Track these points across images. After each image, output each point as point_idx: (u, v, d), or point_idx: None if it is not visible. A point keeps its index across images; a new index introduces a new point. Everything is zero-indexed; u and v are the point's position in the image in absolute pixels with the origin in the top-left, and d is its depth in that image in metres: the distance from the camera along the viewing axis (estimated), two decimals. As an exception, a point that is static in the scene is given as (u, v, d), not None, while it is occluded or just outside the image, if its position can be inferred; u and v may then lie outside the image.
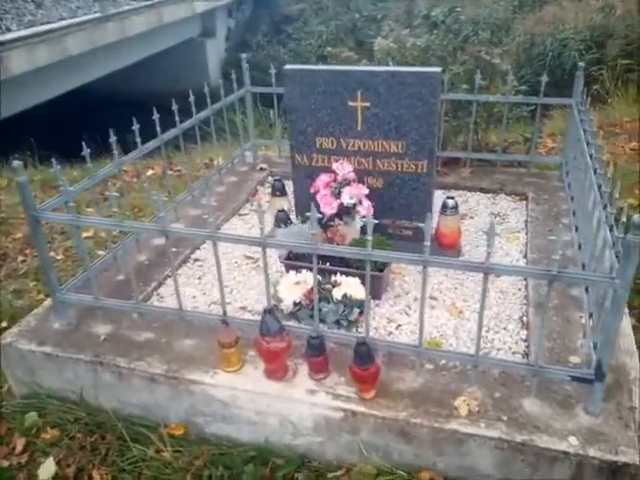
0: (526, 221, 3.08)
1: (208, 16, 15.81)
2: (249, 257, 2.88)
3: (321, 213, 2.65)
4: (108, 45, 10.79)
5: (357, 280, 2.38)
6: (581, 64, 3.20)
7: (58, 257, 3.66)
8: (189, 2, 14.37)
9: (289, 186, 3.06)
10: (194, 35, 15.77)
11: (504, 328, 2.29)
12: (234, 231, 3.16)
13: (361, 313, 2.33)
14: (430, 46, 3.26)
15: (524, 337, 2.23)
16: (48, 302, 2.53)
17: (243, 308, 2.48)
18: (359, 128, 2.69)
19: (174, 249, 2.92)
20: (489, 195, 3.42)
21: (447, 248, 2.80)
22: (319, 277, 2.38)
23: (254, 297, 2.57)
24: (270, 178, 3.79)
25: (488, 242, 1.72)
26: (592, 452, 1.72)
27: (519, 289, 2.53)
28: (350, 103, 2.65)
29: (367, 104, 2.63)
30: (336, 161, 2.78)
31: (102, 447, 2.17)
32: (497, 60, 3.66)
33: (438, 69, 2.54)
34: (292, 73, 2.69)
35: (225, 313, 2.11)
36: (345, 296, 2.32)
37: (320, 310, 2.30)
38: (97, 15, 10.74)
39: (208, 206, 3.11)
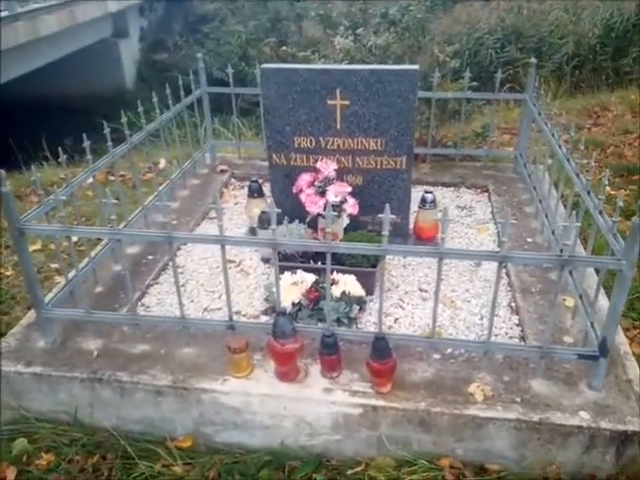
0: (492, 212, 3.22)
1: (120, 15, 15.21)
2: (231, 261, 2.81)
3: (307, 213, 2.66)
4: (18, 46, 10.15)
5: (353, 277, 2.39)
6: (533, 60, 3.37)
7: (8, 273, 3.42)
8: (101, 1, 13.78)
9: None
10: (107, 35, 15.14)
11: (496, 315, 2.38)
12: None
13: (360, 309, 2.35)
14: (390, 45, 3.33)
15: (517, 322, 2.34)
16: (25, 320, 2.36)
17: (237, 313, 2.43)
18: (338, 126, 2.71)
19: (150, 257, 2.82)
20: (451, 189, 3.54)
21: (426, 241, 2.88)
22: (315, 276, 2.39)
23: (245, 301, 2.52)
24: (233, 180, 3.74)
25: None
26: (603, 424, 1.84)
27: (502, 276, 2.64)
28: (329, 101, 2.66)
29: (346, 102, 2.65)
30: (315, 160, 2.79)
31: (104, 468, 2.05)
32: (448, 58, 3.80)
33: (415, 66, 2.61)
34: (269, 72, 2.67)
35: (231, 318, 2.07)
36: (344, 293, 2.33)
37: (320, 309, 2.30)
38: (5, 14, 10.06)
39: (177, 211, 3.04)
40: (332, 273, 2.42)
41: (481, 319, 2.37)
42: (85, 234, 2.15)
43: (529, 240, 2.88)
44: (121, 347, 2.20)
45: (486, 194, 3.46)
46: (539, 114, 3.12)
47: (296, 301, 2.32)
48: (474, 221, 3.17)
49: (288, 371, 2.01)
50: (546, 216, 2.82)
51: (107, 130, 2.72)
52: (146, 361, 2.13)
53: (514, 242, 2.87)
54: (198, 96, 3.66)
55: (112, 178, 4.62)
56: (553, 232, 2.68)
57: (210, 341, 2.19)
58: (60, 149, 2.40)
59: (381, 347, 1.89)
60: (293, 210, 2.73)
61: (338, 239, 2.56)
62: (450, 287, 2.58)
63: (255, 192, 2.95)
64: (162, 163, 4.71)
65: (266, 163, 3.00)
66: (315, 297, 2.31)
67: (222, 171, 3.77)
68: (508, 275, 2.62)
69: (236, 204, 3.43)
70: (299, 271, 2.41)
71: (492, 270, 2.68)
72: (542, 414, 1.87)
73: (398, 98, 2.60)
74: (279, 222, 2.71)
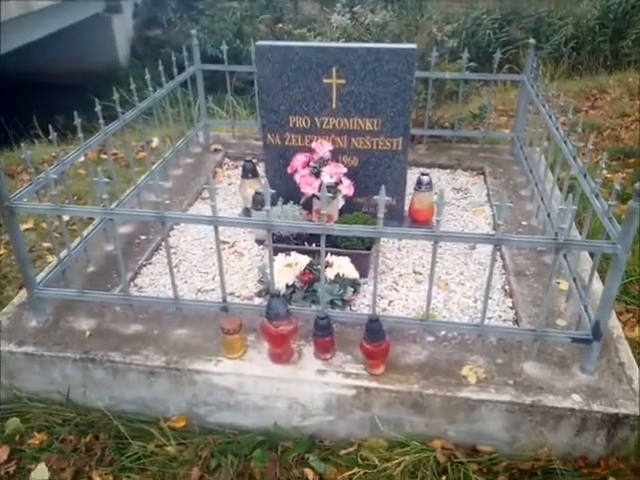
0: (488, 194, 3.21)
1: (113, -10, 14.92)
2: (224, 242, 2.80)
3: (301, 194, 2.64)
4: (10, 20, 9.95)
5: (347, 259, 2.38)
6: (532, 41, 3.33)
7: (0, 252, 3.39)
8: (94, -26, 13.51)
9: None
10: (100, 11, 14.86)
11: (490, 298, 2.38)
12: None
13: (354, 292, 2.34)
14: (388, 23, 3.28)
15: (510, 305, 2.34)
16: (17, 300, 2.35)
17: (231, 294, 2.41)
18: (334, 106, 2.67)
19: (143, 236, 2.80)
20: (448, 171, 3.52)
21: (421, 224, 2.86)
22: (310, 258, 2.38)
23: (239, 282, 2.51)
24: (227, 159, 3.70)
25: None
26: (595, 407, 1.85)
27: (496, 259, 2.63)
28: (325, 80, 2.62)
29: (342, 81, 2.61)
30: (310, 140, 2.75)
31: (97, 447, 2.05)
32: (446, 38, 3.75)
33: (413, 45, 2.57)
34: (263, 50, 2.62)
35: (225, 299, 2.05)
36: (338, 276, 2.32)
37: (314, 291, 2.29)
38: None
39: (170, 190, 3.01)
40: (326, 255, 2.42)
41: (475, 302, 2.37)
42: (76, 213, 2.12)
43: (524, 223, 2.87)
44: (114, 327, 2.18)
45: (482, 176, 3.44)
46: (537, 96, 3.09)
47: (290, 283, 2.31)
48: (470, 203, 3.15)
49: (282, 353, 2.00)
50: (542, 199, 2.81)
51: (98, 108, 2.67)
52: (139, 342, 2.12)
53: (509, 225, 2.86)
54: (191, 73, 3.60)
55: (104, 156, 4.60)
56: (549, 215, 2.67)
57: (204, 322, 2.18)
58: (50, 127, 2.35)
59: (375, 329, 1.88)
60: (288, 191, 2.71)
61: (333, 221, 2.54)
62: (444, 270, 2.58)
63: (249, 172, 2.92)
64: (155, 142, 4.66)
65: (260, 143, 2.96)
66: (309, 279, 2.30)
67: (216, 150, 3.73)
68: (502, 258, 2.61)
69: (230, 184, 3.40)
70: (293, 253, 2.39)
71: (487, 253, 2.68)
72: (535, 397, 1.88)
73: (395, 78, 2.57)
74: (273, 203, 2.68)
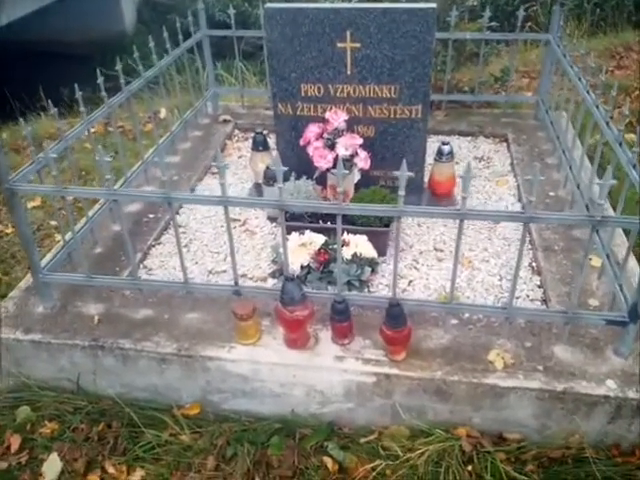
0: (512, 163, 3.04)
1: (118, -47, 14.50)
2: (235, 219, 2.68)
3: (315, 167, 2.50)
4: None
5: (364, 238, 2.26)
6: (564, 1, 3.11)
7: (8, 231, 3.31)
8: (97, -63, 13.10)
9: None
10: (105, -24, 14.49)
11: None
12: (210, 190, 2.93)
13: (373, 272, 2.23)
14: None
15: (538, 283, 2.21)
16: (24, 283, 2.27)
17: (243, 275, 2.31)
18: (349, 72, 2.51)
19: (151, 215, 2.69)
20: (469, 138, 3.35)
21: (442, 197, 2.72)
22: (325, 237, 2.26)
23: (251, 262, 2.40)
24: (237, 131, 3.56)
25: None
26: (631, 394, 1.74)
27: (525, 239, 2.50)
28: (339, 44, 2.45)
29: (357, 45, 2.44)
30: (324, 110, 2.61)
31: (110, 436, 2.00)
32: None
33: (433, 4, 2.38)
34: (272, 12, 2.45)
35: (237, 283, 1.95)
36: (355, 255, 2.20)
37: (330, 272, 2.18)
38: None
39: (178, 165, 2.89)
40: (342, 234, 2.30)
41: (500, 280, 2.25)
42: (79, 194, 2.02)
43: (551, 194, 2.72)
44: (123, 312, 2.10)
45: (505, 144, 3.27)
46: (564, 56, 2.89)
47: (305, 264, 2.20)
48: (492, 173, 2.99)
49: (297, 338, 1.91)
50: (570, 168, 2.65)
51: (100, 79, 2.54)
52: (149, 327, 2.03)
53: (535, 196, 2.70)
54: (198, 39, 3.44)
55: (111, 129, 4.48)
56: (578, 186, 2.51)
57: (216, 306, 2.09)
58: (50, 102, 2.23)
59: (395, 314, 1.77)
60: (300, 164, 2.57)
61: (349, 197, 2.41)
62: (467, 246, 2.45)
63: (260, 145, 2.78)
64: (163, 112, 4.53)
65: (271, 112, 2.82)
66: (325, 259, 2.19)
67: (225, 121, 3.59)
68: (529, 232, 2.47)
69: (240, 157, 3.27)
70: (307, 232, 2.28)
71: (512, 227, 2.55)
72: (566, 383, 1.77)
73: (413, 40, 2.39)
74: (285, 179, 2.56)
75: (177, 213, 2.76)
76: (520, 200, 2.73)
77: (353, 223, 2.32)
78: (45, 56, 10.73)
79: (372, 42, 2.42)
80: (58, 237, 3.02)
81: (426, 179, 2.78)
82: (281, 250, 1.91)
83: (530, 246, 2.41)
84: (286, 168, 1.71)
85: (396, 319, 1.78)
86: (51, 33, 12.16)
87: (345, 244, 2.22)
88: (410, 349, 1.89)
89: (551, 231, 2.43)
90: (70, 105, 4.81)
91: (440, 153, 2.64)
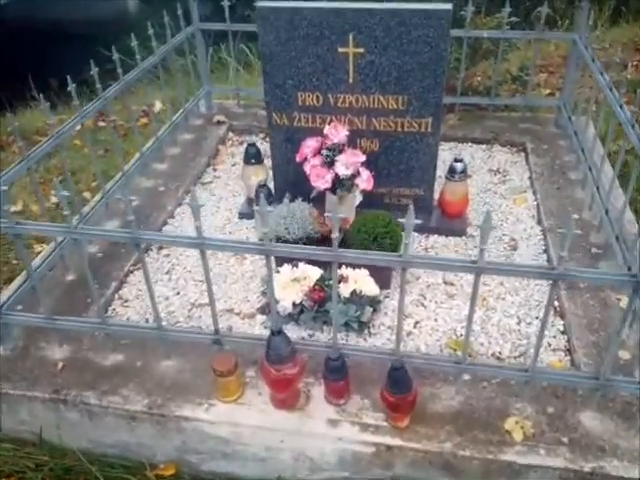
0: (530, 177, 2.76)
1: None
2: (224, 239, 2.43)
3: (311, 186, 2.24)
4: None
5: (365, 272, 2.00)
6: (589, -7, 2.80)
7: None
8: None
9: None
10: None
11: (536, 317, 2.01)
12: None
13: (374, 311, 1.98)
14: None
15: (561, 328, 1.96)
16: (-19, 320, 2.03)
17: (229, 311, 2.07)
18: (351, 80, 2.23)
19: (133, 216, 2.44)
20: (483, 147, 3.07)
21: (453, 217, 2.46)
22: (320, 271, 2.01)
23: (239, 294, 2.15)
24: (231, 134, 3.28)
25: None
26: (672, 478, 1.49)
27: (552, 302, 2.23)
28: (340, 49, 2.17)
29: (361, 50, 2.16)
30: (322, 121, 2.34)
31: (74, 498, 1.78)
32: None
33: (448, 6, 2.09)
34: (266, 12, 2.17)
35: (218, 331, 1.70)
36: (354, 293, 1.95)
37: (326, 311, 1.93)
38: None
39: (165, 174, 2.63)
40: (340, 267, 2.04)
41: (518, 323, 1.99)
42: (35, 231, 1.76)
43: (575, 216, 2.43)
44: (91, 357, 1.86)
45: (523, 154, 2.99)
46: (592, 60, 2.59)
47: (297, 301, 1.95)
48: (509, 189, 2.72)
49: (285, 398, 1.67)
50: (597, 190, 2.37)
51: (94, 70, 2.32)
52: (118, 377, 1.79)
53: (556, 219, 2.44)
54: (190, 33, 3.15)
55: (102, 124, 4.22)
56: (607, 211, 2.24)
57: (195, 352, 1.84)
58: (42, 96, 2.06)
59: (399, 378, 1.52)
60: (296, 179, 2.32)
61: (349, 223, 2.15)
62: (482, 278, 2.18)
63: (252, 158, 2.51)
64: (158, 105, 4.26)
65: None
66: (320, 298, 1.94)
67: (219, 122, 3.31)
68: (550, 263, 2.21)
69: (234, 165, 3.00)
70: (301, 264, 2.02)
71: (530, 256, 2.28)
72: (595, 462, 1.53)
73: (425, 46, 2.11)
74: (280, 200, 2.31)
75: (159, 231, 2.51)
76: (540, 223, 2.46)
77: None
78: (41, 36, 10.40)
79: (378, 47, 2.14)
80: (39, 248, 2.79)
81: (436, 195, 2.51)
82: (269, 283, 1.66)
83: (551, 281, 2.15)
84: (271, 209, 1.45)
85: (400, 384, 1.53)
86: (47, 11, 11.80)
87: (343, 280, 1.96)
88: (415, 411, 1.64)
89: (575, 262, 2.17)
90: (63, 91, 4.54)
91: (452, 171, 2.36)
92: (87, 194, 3.46)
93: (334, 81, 2.24)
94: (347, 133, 2.18)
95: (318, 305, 1.94)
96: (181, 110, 3.16)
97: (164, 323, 1.99)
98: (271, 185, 2.51)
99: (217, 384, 1.69)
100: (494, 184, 2.76)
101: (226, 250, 1.83)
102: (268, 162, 2.57)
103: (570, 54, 2.99)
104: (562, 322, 1.98)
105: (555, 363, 1.83)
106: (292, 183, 2.43)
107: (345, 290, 1.94)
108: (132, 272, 2.26)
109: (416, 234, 2.40)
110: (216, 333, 1.70)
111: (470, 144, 3.08)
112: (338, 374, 1.62)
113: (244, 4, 5.75)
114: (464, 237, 2.41)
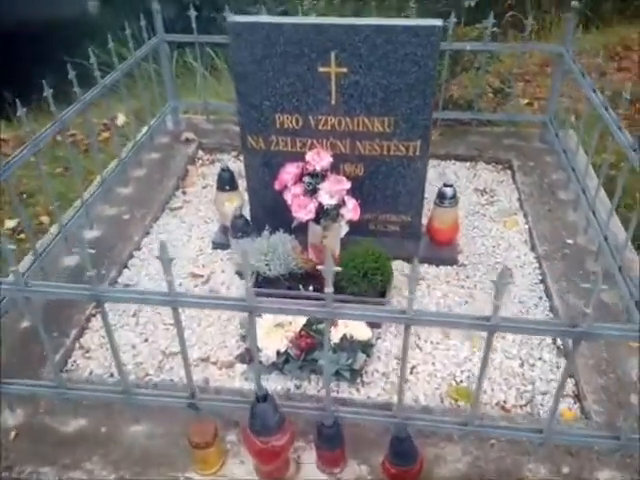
0: (520, 198, 2.63)
1: None
2: (196, 275, 2.22)
3: (292, 217, 2.05)
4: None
5: (356, 313, 1.82)
6: (575, 3, 2.69)
7: None
8: None
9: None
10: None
11: (539, 358, 1.86)
12: (168, 233, 2.47)
13: (368, 357, 1.80)
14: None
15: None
16: None
17: (205, 360, 1.87)
18: (333, 101, 2.05)
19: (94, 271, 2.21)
20: (467, 164, 2.93)
21: (442, 245, 2.30)
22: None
23: (216, 338, 1.95)
24: (201, 152, 3.07)
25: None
26: None
27: (540, 298, 2.10)
28: (321, 69, 1.99)
29: (344, 70, 1.99)
30: (303, 144, 2.15)
31: None
32: (465, -4, 3.07)
33: (438, 22, 1.93)
34: (239, 28, 1.97)
35: (194, 394, 1.50)
36: (345, 338, 1.77)
37: (314, 360, 1.75)
38: None
39: (130, 200, 2.42)
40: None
41: (522, 365, 1.84)
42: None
43: (569, 241, 2.31)
44: (49, 422, 1.64)
45: (509, 172, 2.86)
46: (582, 75, 2.47)
47: (282, 349, 1.76)
48: (498, 211, 2.58)
49: (272, 470, 1.47)
50: (594, 214, 2.25)
51: (48, 91, 2.10)
52: (81, 447, 1.57)
53: (550, 244, 2.31)
54: (155, 46, 2.93)
55: (59, 138, 3.93)
56: (605, 238, 2.12)
57: (167, 413, 1.63)
58: None
59: (404, 450, 1.35)
60: (275, 205, 2.12)
61: (335, 257, 1.97)
62: (478, 313, 2.02)
63: (226, 184, 2.31)
64: (120, 118, 4.00)
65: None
66: (308, 345, 1.75)
67: (187, 140, 3.09)
68: (549, 297, 2.08)
69: (205, 187, 2.79)
70: (285, 306, 1.83)
71: (529, 286, 2.14)
72: (620, 532, 1.38)
73: (413, 65, 1.94)
74: (258, 231, 2.12)
75: (125, 265, 2.29)
76: (534, 249, 2.32)
77: (342, 292, 1.88)
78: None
79: (362, 67, 1.96)
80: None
81: (424, 220, 2.35)
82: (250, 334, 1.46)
83: (552, 315, 2.02)
84: (255, 265, 1.26)
85: (404, 456, 1.36)
86: (7, 15, 11.31)
87: (333, 324, 1.78)
88: (420, 478, 1.47)
89: (574, 294, 2.04)
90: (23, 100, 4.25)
91: (442, 196, 2.21)
92: (45, 218, 3.21)
93: (315, 102, 2.06)
94: (331, 160, 2.00)
95: (305, 353, 1.76)
96: (146, 129, 2.93)
97: (132, 377, 1.81)
98: (246, 210, 2.32)
99: (194, 455, 1.48)
100: (482, 205, 2.62)
101: (204, 307, 1.62)
102: (242, 182, 2.38)
103: (555, 67, 2.88)
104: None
105: (565, 412, 1.68)
106: (270, 210, 2.24)
107: (335, 335, 1.76)
108: (94, 315, 2.03)
109: (405, 264, 2.24)
110: (192, 397, 1.50)
111: (453, 161, 2.94)
112: (333, 442, 1.44)
113: (209, 6, 5.53)
114: (455, 266, 2.26)
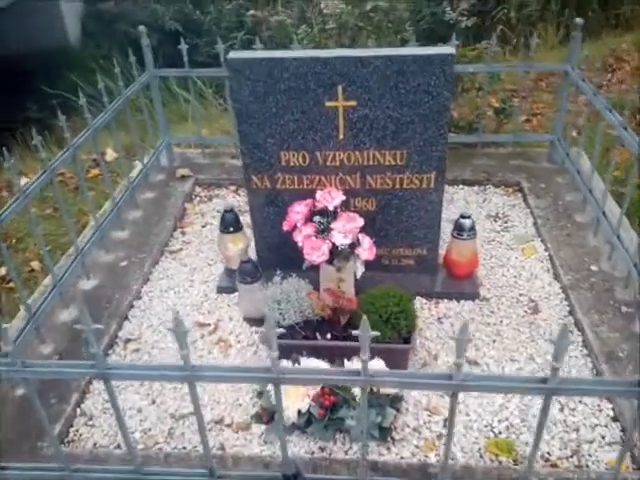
0: (535, 223, 2.52)
1: (58, -39, 13.56)
2: (203, 324, 2.08)
3: (302, 254, 1.92)
4: None
5: (381, 363, 1.69)
6: (579, 20, 2.62)
7: None
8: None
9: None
10: (44, -16, 13.52)
11: (580, 401, 1.74)
12: (169, 279, 2.33)
13: (397, 412, 1.66)
14: (395, 6, 2.52)
15: (611, 413, 1.69)
16: None
17: (219, 422, 1.72)
18: (341, 136, 1.94)
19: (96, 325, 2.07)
20: (475, 188, 2.82)
21: (462, 278, 2.19)
22: (327, 365, 1.69)
23: (229, 395, 1.81)
24: (198, 188, 2.94)
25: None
26: None
27: (571, 332, 1.98)
28: (328, 103, 1.88)
29: (352, 103, 1.88)
30: (310, 181, 2.04)
31: None
32: (462, 18, 3.00)
33: (451, 49, 1.83)
34: (240, 66, 1.86)
35: (213, 472, 1.35)
36: (371, 392, 1.63)
37: (341, 419, 1.61)
38: None
39: (127, 244, 2.29)
40: (350, 359, 1.73)
41: (562, 410, 1.71)
42: None
43: (594, 269, 2.20)
44: (52, 506, 1.48)
45: (520, 194, 2.76)
46: (594, 94, 2.39)
47: (304, 409, 1.62)
48: (514, 238, 2.46)
49: None
50: (618, 238, 2.14)
51: (38, 139, 1.97)
52: (90, 534, 1.42)
53: (575, 273, 2.19)
54: (145, 83, 2.82)
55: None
56: (635, 265, 2.01)
57: None
58: None
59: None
60: (282, 244, 2.02)
61: (353, 303, 1.84)
62: (508, 352, 1.91)
63: (230, 226, 2.18)
64: (110, 154, 3.87)
65: (239, 162, 2.24)
66: (331, 403, 1.61)
67: (183, 177, 2.97)
68: (580, 330, 1.96)
69: (204, 226, 2.65)
70: (304, 359, 1.70)
71: (557, 321, 2.02)
72: None
73: (426, 95, 1.84)
74: (268, 278, 1.99)
75: (126, 317, 2.15)
76: (557, 278, 2.21)
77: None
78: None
79: (372, 99, 1.86)
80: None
81: (441, 251, 2.23)
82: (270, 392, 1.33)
83: (585, 351, 1.89)
84: (282, 331, 1.13)
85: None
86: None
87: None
88: None
89: (608, 327, 1.91)
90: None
91: (460, 228, 2.09)
92: (36, 264, 3.05)
93: (322, 138, 1.95)
94: (343, 198, 1.89)
95: (330, 411, 1.62)
96: (139, 168, 2.80)
97: (140, 446, 1.66)
98: (250, 250, 2.20)
99: (218, 540, 1.34)
100: (496, 232, 2.51)
101: (225, 381, 1.46)
102: (244, 218, 2.26)
103: (561, 86, 2.80)
104: (610, 406, 1.71)
105: (614, 462, 1.55)
106: (277, 250, 2.12)
107: (359, 390, 1.63)
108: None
109: (424, 300, 2.12)
110: (210, 474, 1.35)
111: (461, 186, 2.84)
112: (371, 517, 1.30)
113: (192, 33, 5.46)
114: (477, 300, 2.14)
